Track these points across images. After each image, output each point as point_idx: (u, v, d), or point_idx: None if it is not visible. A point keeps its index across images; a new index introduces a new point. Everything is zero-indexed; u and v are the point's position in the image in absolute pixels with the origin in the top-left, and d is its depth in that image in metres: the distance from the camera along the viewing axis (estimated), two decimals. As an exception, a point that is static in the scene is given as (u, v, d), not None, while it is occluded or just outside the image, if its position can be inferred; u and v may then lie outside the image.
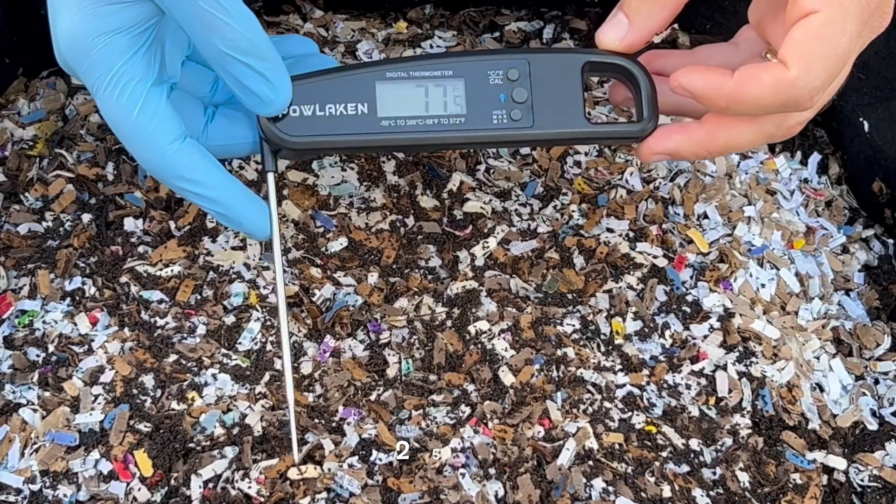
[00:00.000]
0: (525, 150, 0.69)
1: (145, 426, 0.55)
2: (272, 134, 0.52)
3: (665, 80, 0.52)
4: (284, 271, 0.62)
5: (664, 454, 0.56)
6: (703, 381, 0.59)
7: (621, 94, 0.56)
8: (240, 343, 0.59)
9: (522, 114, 0.53)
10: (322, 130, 0.53)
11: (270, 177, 0.54)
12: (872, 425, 0.60)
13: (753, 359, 0.61)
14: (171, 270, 0.62)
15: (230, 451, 0.54)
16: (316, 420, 0.56)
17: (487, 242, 0.64)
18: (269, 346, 0.59)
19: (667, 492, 0.54)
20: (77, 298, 0.60)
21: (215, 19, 0.48)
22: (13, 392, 0.56)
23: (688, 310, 0.62)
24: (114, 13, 0.49)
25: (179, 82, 0.55)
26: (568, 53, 0.54)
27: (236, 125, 0.55)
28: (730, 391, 0.59)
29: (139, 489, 0.53)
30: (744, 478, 0.56)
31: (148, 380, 0.57)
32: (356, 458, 0.54)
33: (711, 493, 0.55)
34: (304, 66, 0.55)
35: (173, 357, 0.58)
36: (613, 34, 0.52)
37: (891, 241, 0.69)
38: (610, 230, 0.65)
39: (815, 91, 0.48)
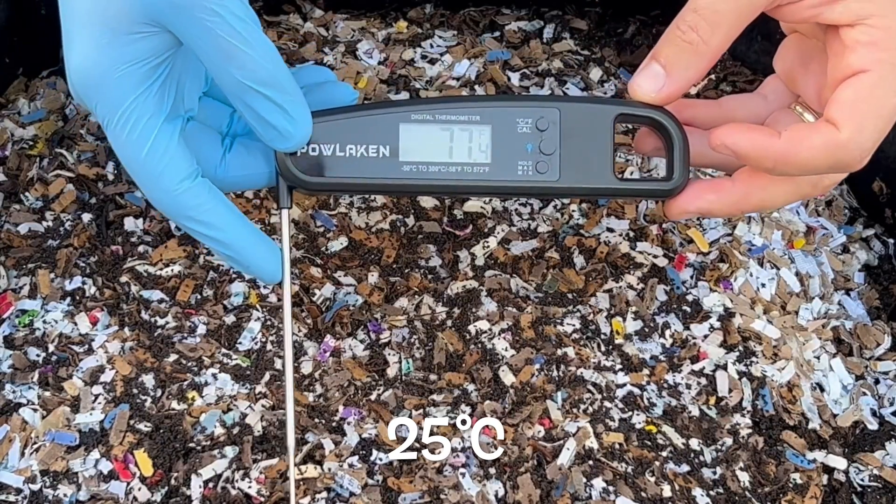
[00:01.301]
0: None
1: (145, 426, 0.55)
2: (289, 172, 0.51)
3: (692, 131, 0.51)
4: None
5: (664, 454, 0.56)
6: (704, 381, 0.59)
7: (649, 144, 0.54)
8: (240, 343, 0.59)
9: (549, 166, 0.51)
10: (341, 171, 0.51)
11: (285, 214, 0.52)
12: (872, 425, 0.60)
13: (754, 358, 0.61)
14: (172, 270, 0.62)
15: (230, 451, 0.54)
16: (316, 420, 0.56)
17: (488, 242, 0.64)
18: (269, 346, 0.59)
19: (667, 491, 0.54)
20: (77, 298, 0.60)
21: (234, 49, 0.47)
22: (13, 392, 0.56)
23: (688, 309, 0.62)
24: (129, 44, 0.48)
25: (196, 116, 0.54)
26: (600, 104, 0.51)
27: (254, 156, 0.53)
28: (730, 391, 0.59)
29: (139, 489, 0.53)
30: (744, 477, 0.56)
31: (148, 379, 0.57)
32: (356, 457, 0.54)
33: (711, 492, 0.55)
34: (322, 94, 0.54)
35: (173, 357, 0.58)
36: (649, 86, 0.49)
37: (891, 240, 0.69)
38: (610, 230, 0.65)
39: (866, 152, 0.47)
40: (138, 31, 0.48)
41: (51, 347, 0.58)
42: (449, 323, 0.61)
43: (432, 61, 0.73)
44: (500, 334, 0.60)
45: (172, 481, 0.53)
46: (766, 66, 0.73)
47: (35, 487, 0.53)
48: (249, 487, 0.52)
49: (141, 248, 0.63)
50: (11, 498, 0.53)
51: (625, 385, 0.59)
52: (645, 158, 0.69)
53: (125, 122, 0.49)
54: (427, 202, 0.66)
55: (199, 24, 0.47)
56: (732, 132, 0.48)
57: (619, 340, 0.61)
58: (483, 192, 0.53)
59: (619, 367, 0.59)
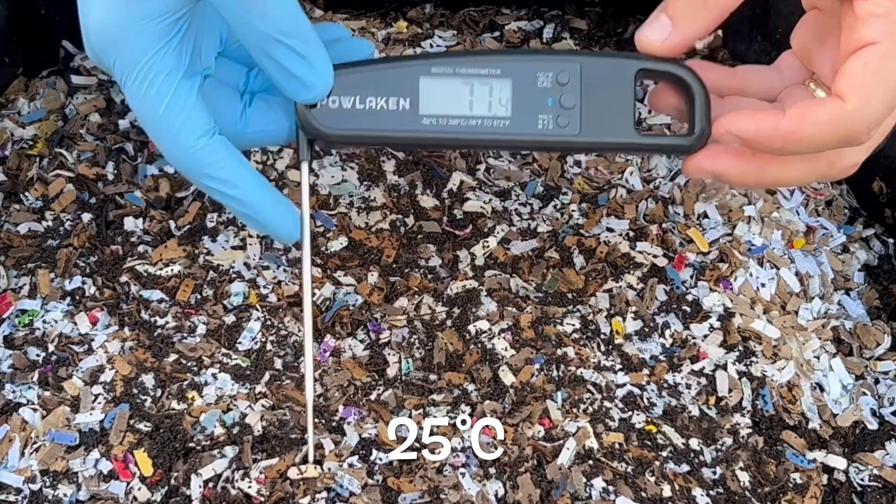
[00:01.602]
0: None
1: (145, 426, 0.55)
2: (309, 125, 0.50)
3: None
4: (284, 270, 0.62)
5: (664, 454, 0.56)
6: (703, 381, 0.59)
7: (665, 101, 0.53)
8: (240, 343, 0.59)
9: (569, 120, 0.50)
10: (361, 124, 0.50)
11: (305, 166, 0.52)
12: (872, 425, 0.60)
13: (753, 358, 0.61)
14: (171, 270, 0.62)
15: (230, 451, 0.54)
16: (316, 420, 0.56)
17: (487, 242, 0.64)
18: (269, 346, 0.59)
19: (667, 491, 0.54)
20: (77, 298, 0.60)
21: (253, 8, 0.46)
22: (13, 392, 0.56)
23: (688, 309, 0.62)
24: (145, 1, 0.48)
25: (213, 75, 0.53)
26: (621, 59, 0.51)
27: (275, 111, 0.53)
28: (730, 391, 0.59)
29: (139, 489, 0.53)
30: (744, 477, 0.56)
31: (148, 379, 0.57)
32: (356, 457, 0.54)
33: (711, 492, 0.55)
34: (339, 49, 0.53)
35: (173, 357, 0.58)
36: (655, 36, 0.49)
37: (891, 240, 0.69)
38: (610, 230, 0.65)
39: (872, 124, 0.46)
40: None
41: (51, 347, 0.58)
42: (449, 323, 0.61)
43: (432, 61, 0.73)
44: (499, 334, 0.60)
45: (172, 481, 0.53)
46: (767, 64, 0.73)
47: (35, 487, 0.53)
48: (249, 487, 0.52)
49: (141, 248, 0.63)
50: (11, 498, 0.53)
51: (625, 385, 0.59)
52: (644, 158, 0.69)
53: (143, 77, 0.49)
54: (426, 202, 0.66)
55: None
56: (736, 119, 0.47)
57: (618, 340, 0.61)
58: (503, 146, 0.53)
59: (618, 366, 0.59)
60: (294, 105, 0.50)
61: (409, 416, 0.56)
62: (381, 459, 0.54)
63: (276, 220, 0.52)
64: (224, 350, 0.59)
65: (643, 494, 0.54)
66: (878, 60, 0.45)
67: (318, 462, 0.54)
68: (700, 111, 0.50)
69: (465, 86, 0.50)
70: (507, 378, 0.58)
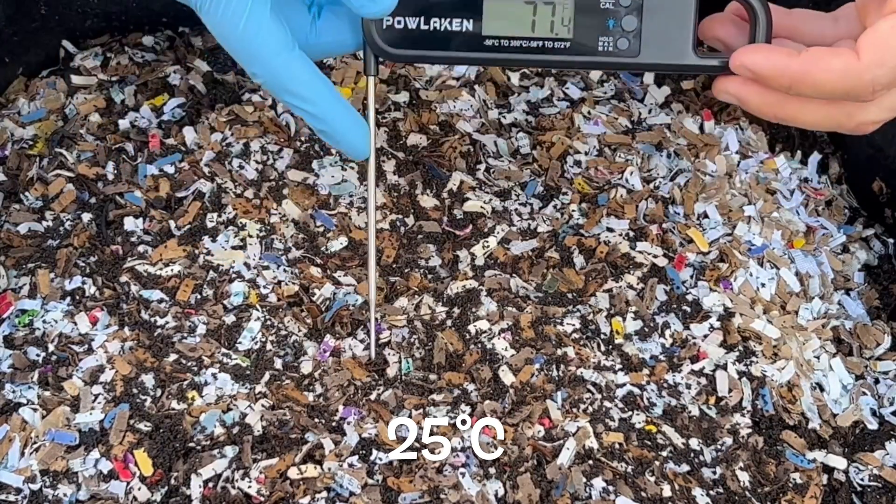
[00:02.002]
0: (525, 150, 0.69)
1: (145, 426, 0.55)
2: (375, 44, 0.52)
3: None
4: (284, 270, 0.62)
5: (664, 454, 0.56)
6: (703, 381, 0.59)
7: (716, 30, 0.53)
8: (240, 343, 0.59)
9: (630, 42, 0.51)
10: (424, 43, 0.52)
11: (371, 81, 0.54)
12: (872, 425, 0.60)
13: (753, 358, 0.61)
14: (171, 270, 0.62)
15: (230, 451, 0.54)
16: (316, 420, 0.56)
17: (487, 242, 0.64)
18: (268, 346, 0.59)
19: (667, 491, 0.54)
20: (77, 298, 0.60)
21: None
22: (13, 391, 0.56)
23: (688, 309, 0.62)
24: None
25: None
26: None
27: (343, 21, 0.54)
28: (730, 391, 0.59)
29: (139, 488, 0.53)
30: (744, 477, 0.56)
31: (148, 379, 0.57)
32: (356, 457, 0.54)
33: (711, 492, 0.55)
34: None
35: (173, 356, 0.58)
36: None
37: (891, 240, 0.69)
38: (610, 230, 0.65)
39: (879, 85, 0.47)
40: None
41: (50, 347, 0.58)
42: (449, 323, 0.61)
43: (432, 61, 0.73)
44: (499, 334, 0.60)
45: (172, 481, 0.53)
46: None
47: (35, 487, 0.53)
48: (249, 487, 0.52)
49: (141, 248, 0.63)
50: (11, 498, 0.53)
51: (625, 385, 0.59)
52: (644, 158, 0.69)
53: (218, 2, 0.49)
54: (427, 202, 0.66)
55: None
56: (751, 52, 0.48)
57: (618, 340, 0.61)
58: (562, 66, 0.55)
59: (618, 366, 0.59)
60: (361, 22, 0.52)
61: (409, 416, 0.56)
62: (381, 459, 0.54)
63: (351, 138, 0.54)
64: (224, 350, 0.59)
65: (643, 494, 0.54)
66: None
67: (319, 461, 0.54)
68: (763, 30, 0.50)
69: (528, 6, 0.51)
70: (507, 378, 0.58)
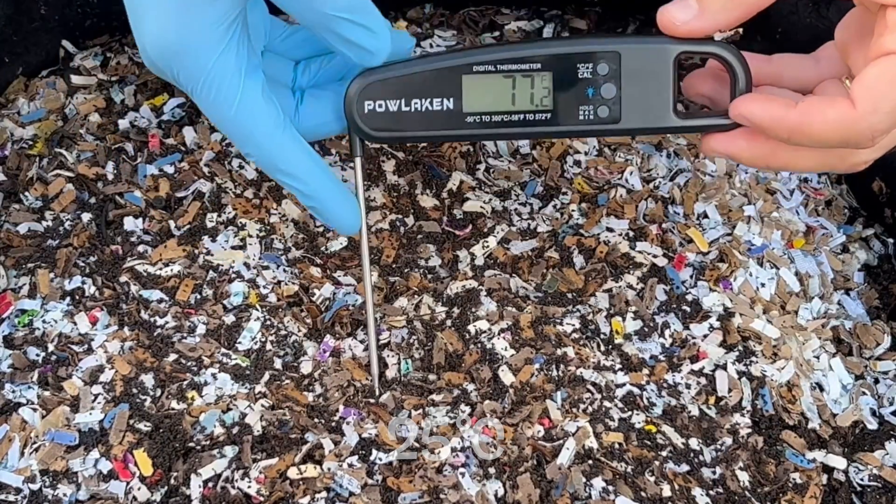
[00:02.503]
0: (525, 150, 0.69)
1: (145, 425, 0.55)
2: (358, 128, 0.53)
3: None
4: (284, 270, 0.62)
5: (664, 453, 0.56)
6: (703, 381, 0.59)
7: (698, 88, 0.54)
8: (239, 342, 0.59)
9: (610, 110, 0.52)
10: (406, 125, 0.53)
11: (358, 161, 0.55)
12: (872, 425, 0.60)
13: (753, 358, 0.61)
14: (171, 270, 0.62)
15: (230, 451, 0.54)
16: (316, 420, 0.56)
17: (487, 242, 0.64)
18: (268, 346, 0.59)
19: (666, 491, 0.54)
20: (77, 298, 0.60)
21: None
22: (13, 391, 0.56)
23: (688, 309, 0.62)
24: (206, 6, 0.49)
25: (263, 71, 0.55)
26: (661, 44, 0.51)
27: (325, 105, 0.55)
28: (730, 390, 0.59)
29: (139, 488, 0.53)
30: (744, 477, 0.56)
31: (148, 379, 0.57)
32: (356, 457, 0.54)
33: (711, 492, 0.55)
34: None
35: (173, 356, 0.58)
36: (679, 15, 0.49)
37: (891, 240, 0.69)
38: (610, 229, 0.65)
39: (877, 132, 0.47)
40: None
41: (50, 347, 0.58)
42: (448, 323, 0.61)
43: (432, 61, 0.73)
44: (499, 334, 0.60)
45: (172, 481, 0.53)
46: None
47: (35, 487, 0.53)
48: (249, 487, 0.52)
49: (140, 248, 0.63)
50: (11, 498, 0.53)
51: (624, 385, 0.59)
52: (644, 158, 0.69)
53: (211, 82, 0.50)
54: (426, 202, 0.66)
55: None
56: (749, 102, 0.48)
57: (618, 340, 0.61)
58: (545, 136, 0.56)
59: (618, 366, 0.59)
60: (343, 108, 0.53)
61: (409, 417, 0.56)
62: (380, 459, 0.54)
63: (341, 214, 0.54)
64: (224, 350, 0.59)
65: (643, 494, 0.54)
66: (894, 72, 0.45)
67: (318, 461, 0.54)
68: (742, 88, 0.51)
69: (506, 80, 0.52)
70: (507, 378, 0.58)
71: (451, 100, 0.52)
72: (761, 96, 0.49)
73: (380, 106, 0.52)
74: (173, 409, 0.56)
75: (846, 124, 0.46)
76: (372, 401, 0.57)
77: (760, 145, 0.51)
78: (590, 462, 0.54)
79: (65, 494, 0.53)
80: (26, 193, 0.65)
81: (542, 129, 0.52)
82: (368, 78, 0.52)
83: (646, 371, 0.59)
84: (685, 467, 0.56)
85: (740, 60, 0.50)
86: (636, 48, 0.51)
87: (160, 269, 0.62)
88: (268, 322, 0.60)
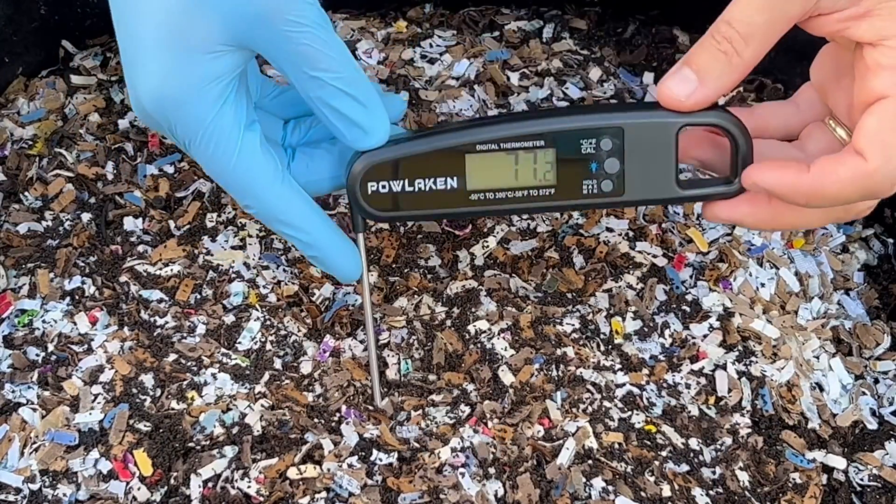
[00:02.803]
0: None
1: (145, 425, 0.55)
2: (360, 208, 0.53)
3: (723, 140, 0.52)
4: (284, 270, 0.62)
5: (664, 453, 0.56)
6: (703, 381, 0.59)
7: (694, 153, 0.54)
8: (239, 342, 0.59)
9: (613, 184, 0.52)
10: (410, 205, 0.53)
11: (360, 237, 0.55)
12: (872, 425, 0.60)
13: (753, 358, 0.61)
14: (171, 270, 0.62)
15: (230, 451, 0.54)
16: (316, 420, 0.56)
17: (487, 242, 0.64)
18: (268, 346, 0.59)
19: (666, 491, 0.54)
20: (77, 298, 0.60)
21: (317, 54, 0.49)
22: (13, 391, 0.56)
23: (687, 309, 0.62)
24: (207, 63, 0.49)
25: None
26: (663, 118, 0.50)
27: (317, 163, 0.55)
28: (729, 390, 0.59)
29: (139, 488, 0.53)
30: (743, 477, 0.56)
31: (147, 379, 0.57)
32: (356, 457, 0.54)
33: (711, 492, 0.55)
34: None
35: (173, 356, 0.58)
36: (680, 90, 0.49)
37: (890, 240, 0.69)
38: (610, 229, 0.65)
39: (895, 181, 0.46)
40: (217, 51, 0.49)
41: (50, 347, 0.58)
42: (448, 323, 0.61)
43: (432, 61, 0.73)
44: (499, 334, 0.60)
45: (172, 481, 0.53)
46: (766, 66, 0.73)
47: (34, 487, 0.53)
48: (249, 487, 0.52)
49: (140, 248, 0.63)
50: (11, 498, 0.53)
51: (624, 385, 0.59)
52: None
53: (209, 137, 0.50)
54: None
55: (282, 36, 0.48)
56: (762, 171, 0.48)
57: (618, 340, 0.61)
58: (548, 210, 0.55)
59: (618, 366, 0.59)
60: (346, 184, 0.52)
61: (409, 417, 0.56)
62: (380, 460, 0.54)
63: (342, 263, 0.54)
64: (224, 350, 0.59)
65: (643, 494, 0.54)
66: (893, 117, 0.45)
67: (318, 462, 0.54)
68: (743, 157, 0.51)
69: (509, 157, 0.52)
70: (507, 378, 0.58)
71: (455, 178, 0.52)
72: (773, 163, 0.49)
73: (383, 187, 0.52)
74: (173, 409, 0.56)
75: (862, 180, 0.46)
76: (371, 407, 0.57)
77: (764, 209, 0.51)
78: (590, 462, 0.54)
79: (65, 494, 0.53)
80: (26, 193, 0.65)
81: (546, 203, 0.53)
82: (371, 159, 0.52)
83: (646, 371, 0.59)
84: (685, 467, 0.56)
85: (740, 128, 0.50)
86: (640, 123, 0.51)
87: (160, 269, 0.62)
88: (268, 322, 0.60)
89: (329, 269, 0.55)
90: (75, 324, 0.59)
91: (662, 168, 0.51)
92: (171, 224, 0.64)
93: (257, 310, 0.60)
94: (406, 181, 0.52)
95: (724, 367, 0.60)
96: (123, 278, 0.61)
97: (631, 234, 0.65)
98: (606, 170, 0.52)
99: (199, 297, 0.61)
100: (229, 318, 0.60)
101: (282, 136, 0.57)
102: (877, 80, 0.45)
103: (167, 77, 0.49)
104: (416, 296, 0.62)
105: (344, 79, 0.50)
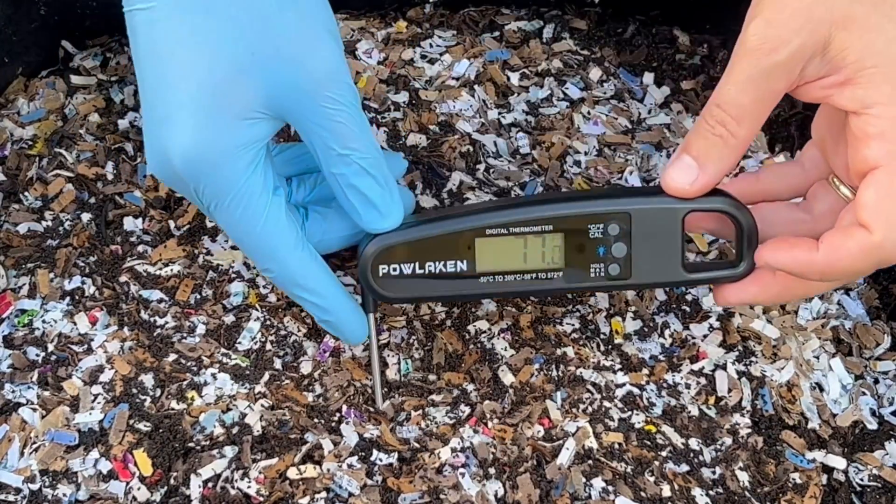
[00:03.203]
0: (525, 150, 0.69)
1: (145, 425, 0.55)
2: (372, 290, 0.54)
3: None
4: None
5: (664, 454, 0.56)
6: (703, 381, 0.59)
7: (702, 224, 0.54)
8: (239, 343, 0.59)
9: (620, 268, 0.53)
10: (421, 287, 0.54)
11: (371, 318, 0.56)
12: (872, 425, 0.60)
13: (753, 358, 0.61)
14: (171, 270, 0.62)
15: (230, 451, 0.54)
16: (316, 420, 0.56)
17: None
18: (268, 346, 0.59)
19: (666, 491, 0.54)
20: (76, 298, 0.60)
21: (350, 133, 0.50)
22: (13, 391, 0.56)
23: (687, 309, 0.62)
24: (243, 129, 0.50)
25: None
26: (670, 205, 0.52)
27: (331, 222, 0.56)
28: (729, 391, 0.59)
29: (139, 488, 0.53)
30: (743, 477, 0.56)
31: (147, 379, 0.57)
32: (355, 458, 0.54)
33: (711, 492, 0.55)
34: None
35: (173, 356, 0.58)
36: (683, 178, 0.50)
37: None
38: (609, 230, 0.65)
39: None
40: (254, 117, 0.50)
41: (50, 347, 0.58)
42: (448, 323, 0.61)
43: (432, 61, 0.73)
44: (499, 334, 0.60)
45: (172, 481, 0.53)
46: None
47: (34, 487, 0.53)
48: (249, 487, 0.52)
49: (140, 248, 0.63)
50: (10, 498, 0.53)
51: (624, 385, 0.59)
52: (644, 158, 0.69)
53: (238, 201, 0.51)
54: (426, 202, 0.66)
55: (321, 111, 0.50)
56: (774, 251, 0.49)
57: (618, 340, 0.61)
58: (556, 293, 0.57)
59: (618, 366, 0.59)
60: (359, 268, 0.54)
61: (409, 417, 0.56)
62: (380, 460, 0.54)
63: (354, 329, 0.56)
64: (223, 350, 0.59)
65: (643, 494, 0.54)
66: (888, 186, 0.46)
67: (318, 462, 0.54)
68: (748, 241, 0.52)
69: (518, 241, 0.53)
70: (507, 378, 0.58)
71: (465, 262, 0.53)
72: (783, 242, 0.49)
73: (394, 269, 0.53)
74: (173, 409, 0.56)
75: (871, 252, 0.46)
76: (372, 409, 0.57)
77: (772, 286, 0.52)
78: (590, 462, 0.54)
79: (64, 494, 0.53)
80: (26, 193, 0.65)
81: (554, 286, 0.54)
82: (383, 242, 0.53)
83: (645, 371, 0.59)
84: (685, 467, 0.56)
85: (744, 213, 0.52)
86: (646, 209, 0.52)
87: (160, 269, 0.62)
88: (267, 322, 0.60)
89: (338, 333, 0.56)
90: (75, 324, 0.59)
91: (669, 252, 0.52)
92: (171, 224, 0.64)
93: (257, 310, 0.60)
94: (417, 264, 0.53)
95: (724, 368, 0.60)
96: (123, 278, 0.61)
97: (631, 234, 0.65)
98: (614, 254, 0.53)
99: (199, 297, 0.61)
100: (229, 318, 0.60)
101: (288, 192, 0.58)
102: (867, 149, 0.46)
103: (204, 139, 0.49)
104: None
105: (369, 159, 0.51)
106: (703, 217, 0.54)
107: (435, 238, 0.53)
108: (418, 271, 0.53)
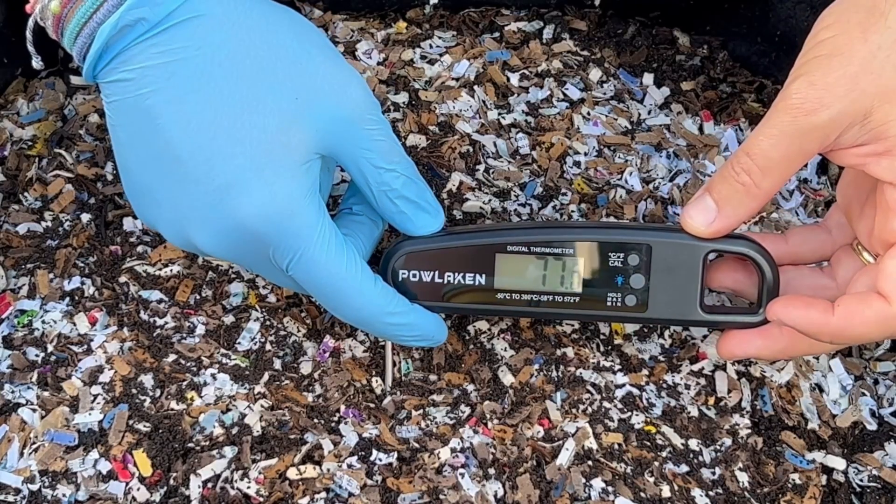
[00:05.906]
0: (525, 151, 0.69)
1: (144, 426, 0.55)
2: None
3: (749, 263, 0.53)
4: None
5: (663, 454, 0.56)
6: (703, 381, 0.59)
7: (723, 281, 0.55)
8: (239, 343, 0.59)
9: (637, 299, 0.53)
10: (437, 296, 0.55)
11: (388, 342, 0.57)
12: (872, 425, 0.60)
13: (753, 359, 0.61)
14: (171, 270, 0.62)
15: (229, 451, 0.54)
16: (315, 420, 0.56)
17: (487, 242, 0.64)
18: (268, 346, 0.59)
19: (666, 492, 0.54)
20: (76, 298, 0.60)
21: (391, 148, 0.52)
22: (12, 392, 0.56)
23: (687, 310, 0.62)
24: (306, 171, 0.50)
25: None
26: (691, 241, 0.52)
27: (355, 239, 0.55)
28: (729, 391, 0.59)
29: (138, 489, 0.53)
30: (743, 478, 0.56)
31: (147, 379, 0.57)
32: (355, 458, 0.54)
33: (711, 493, 0.55)
34: None
35: (172, 357, 0.58)
36: (701, 218, 0.51)
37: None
38: (609, 230, 0.65)
39: None
40: (310, 160, 0.51)
41: (50, 347, 0.58)
42: (448, 323, 0.61)
43: (432, 62, 0.73)
44: (499, 335, 0.60)
45: (171, 481, 0.53)
46: (766, 67, 0.73)
47: (34, 487, 0.53)
48: (248, 487, 0.52)
49: (140, 248, 0.63)
50: (10, 498, 0.53)
51: (624, 385, 0.59)
52: (644, 159, 0.69)
53: (321, 245, 0.51)
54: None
55: (365, 135, 0.51)
56: (788, 308, 0.49)
57: (618, 341, 0.61)
58: (571, 318, 0.57)
59: (618, 367, 0.59)
60: (380, 270, 0.55)
61: (409, 417, 0.56)
62: (380, 460, 0.54)
63: (435, 333, 0.56)
64: (223, 350, 0.59)
65: (642, 495, 0.54)
66: None
67: (318, 462, 0.54)
68: (769, 287, 0.52)
69: (539, 261, 0.53)
70: (507, 378, 0.58)
71: (484, 276, 0.54)
72: (798, 300, 0.49)
73: (413, 275, 0.54)
74: (173, 409, 0.56)
75: (886, 322, 0.47)
76: (373, 405, 0.57)
77: (778, 341, 0.52)
78: (589, 463, 0.54)
79: (64, 495, 0.53)
80: (26, 194, 0.65)
81: (569, 311, 0.54)
82: (406, 248, 0.54)
83: (645, 372, 0.59)
84: (685, 468, 0.56)
85: (767, 259, 0.52)
86: (668, 243, 0.52)
87: (159, 269, 0.62)
88: (267, 322, 0.60)
89: (426, 342, 0.56)
90: (75, 324, 0.59)
91: (687, 289, 0.53)
92: (171, 224, 0.64)
93: (257, 310, 0.60)
94: (436, 273, 0.54)
95: (723, 368, 0.60)
96: (123, 279, 0.61)
97: (631, 234, 0.65)
98: (632, 285, 0.53)
99: (198, 297, 0.61)
100: (229, 319, 0.60)
101: None
102: None
103: (277, 192, 0.50)
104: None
105: (410, 169, 0.53)
106: (724, 272, 0.54)
107: (457, 249, 0.54)
108: (437, 280, 0.54)
